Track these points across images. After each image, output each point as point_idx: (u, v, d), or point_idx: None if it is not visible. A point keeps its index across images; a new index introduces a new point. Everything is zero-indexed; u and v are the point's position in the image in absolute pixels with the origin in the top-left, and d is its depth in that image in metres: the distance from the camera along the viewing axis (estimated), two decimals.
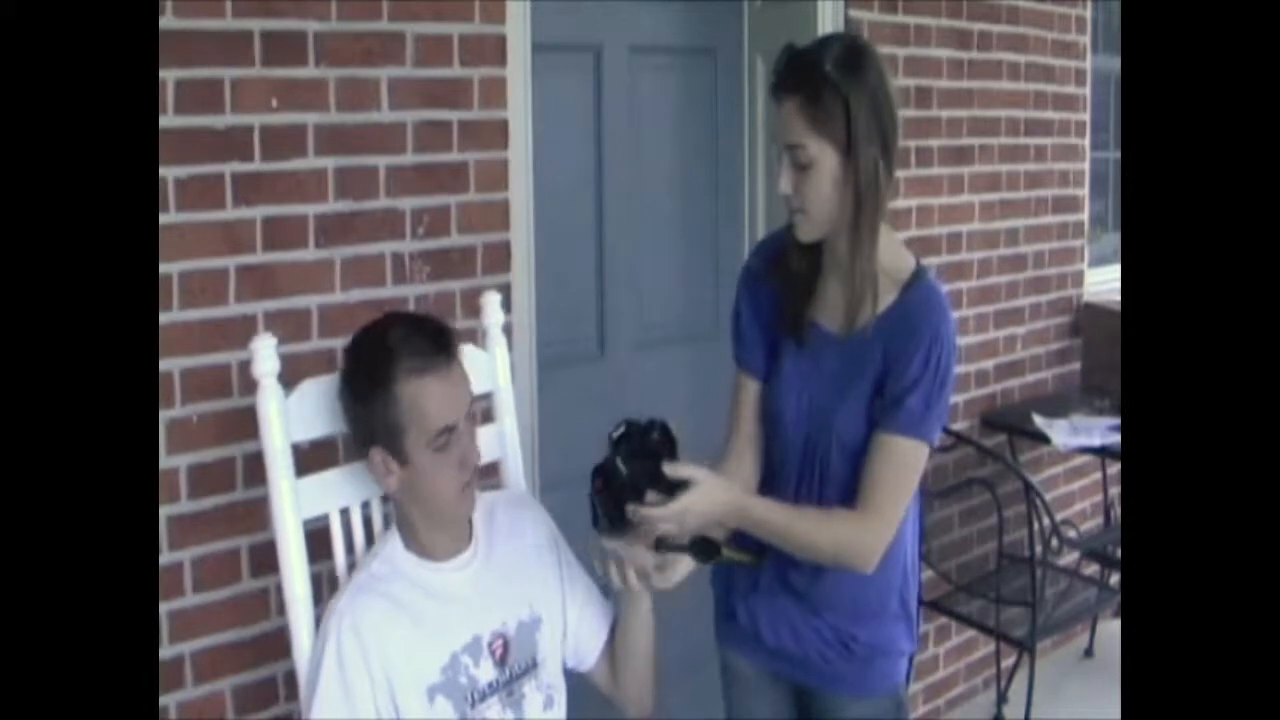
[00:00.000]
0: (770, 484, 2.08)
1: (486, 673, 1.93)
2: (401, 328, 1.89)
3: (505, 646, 1.96)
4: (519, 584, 2.00)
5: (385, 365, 1.83)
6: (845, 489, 1.97)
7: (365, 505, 2.08)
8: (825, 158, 1.87)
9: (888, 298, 1.94)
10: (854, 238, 1.91)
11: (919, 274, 1.97)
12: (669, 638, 3.29)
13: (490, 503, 2.06)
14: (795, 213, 1.94)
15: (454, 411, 1.87)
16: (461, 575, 1.96)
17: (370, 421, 1.86)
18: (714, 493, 1.86)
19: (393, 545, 1.95)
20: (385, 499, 2.10)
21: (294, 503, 1.95)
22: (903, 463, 1.92)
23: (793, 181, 1.91)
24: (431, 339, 1.86)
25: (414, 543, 1.94)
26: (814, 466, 2.00)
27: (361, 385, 1.87)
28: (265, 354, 1.93)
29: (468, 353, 2.02)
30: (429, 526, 1.94)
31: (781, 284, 2.04)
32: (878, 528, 1.92)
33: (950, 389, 1.94)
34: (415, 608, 1.89)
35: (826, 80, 1.84)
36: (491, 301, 2.21)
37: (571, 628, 2.07)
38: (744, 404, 2.10)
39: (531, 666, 1.99)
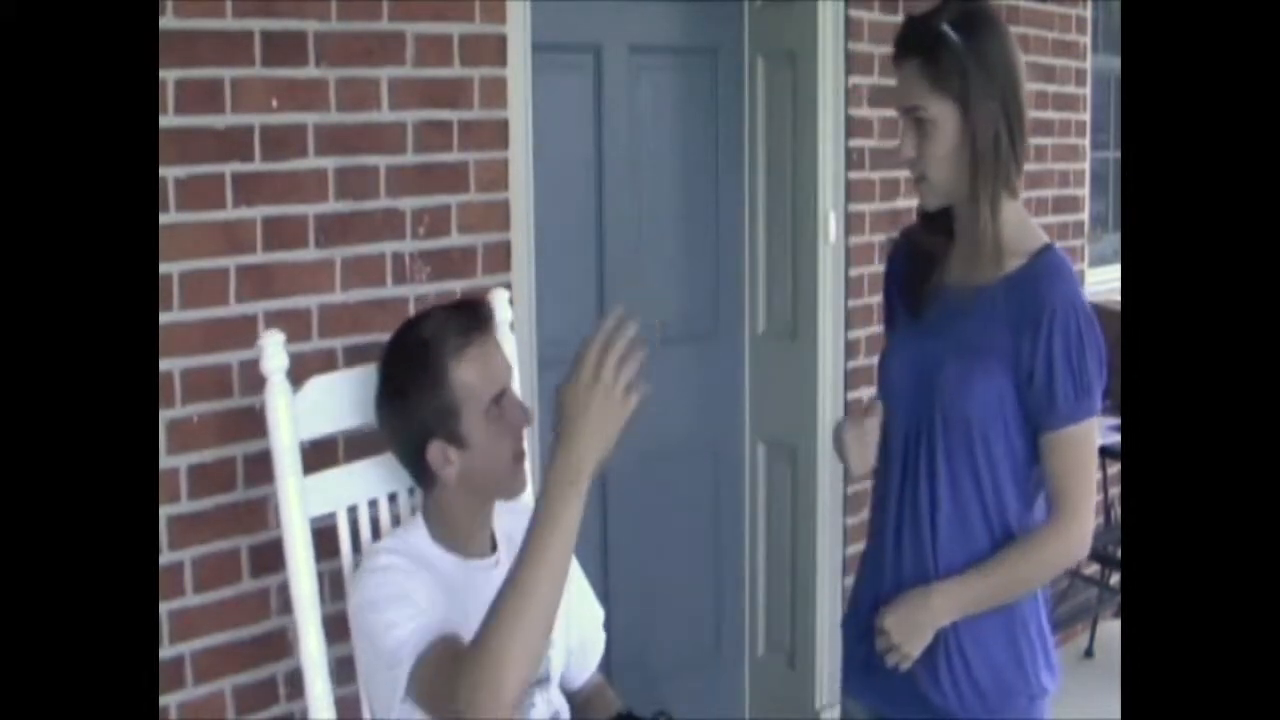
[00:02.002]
0: (880, 466, 2.06)
1: None
2: (433, 318, 1.93)
3: None
4: None
5: (427, 355, 1.86)
6: (952, 466, 1.93)
7: (372, 504, 2.08)
8: (945, 117, 1.88)
9: (1015, 263, 1.91)
10: (976, 200, 1.90)
11: (1049, 246, 1.95)
12: (670, 637, 3.30)
13: (511, 514, 2.06)
14: (919, 180, 1.94)
15: (501, 378, 1.91)
16: (483, 577, 1.94)
17: (423, 414, 1.87)
18: (914, 602, 1.93)
19: (418, 534, 1.94)
20: (393, 498, 2.10)
21: (301, 501, 1.95)
22: (1078, 451, 1.91)
23: (915, 144, 1.91)
24: (465, 317, 1.91)
25: (441, 534, 1.94)
26: (918, 440, 1.96)
27: (408, 381, 1.88)
28: (273, 351, 1.93)
29: None
30: (470, 516, 1.94)
31: (912, 263, 2.04)
32: (1080, 525, 1.92)
33: (1098, 352, 1.89)
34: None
35: (943, 39, 1.86)
36: (500, 299, 2.21)
37: (574, 648, 2.08)
38: None
39: (544, 679, 1.98)
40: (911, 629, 1.93)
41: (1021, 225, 1.96)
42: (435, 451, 1.88)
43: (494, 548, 1.99)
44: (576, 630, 2.08)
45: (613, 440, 1.60)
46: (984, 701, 1.96)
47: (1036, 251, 1.93)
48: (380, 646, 1.77)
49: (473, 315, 1.91)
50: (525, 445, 1.96)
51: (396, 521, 2.09)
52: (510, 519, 2.04)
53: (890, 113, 2.01)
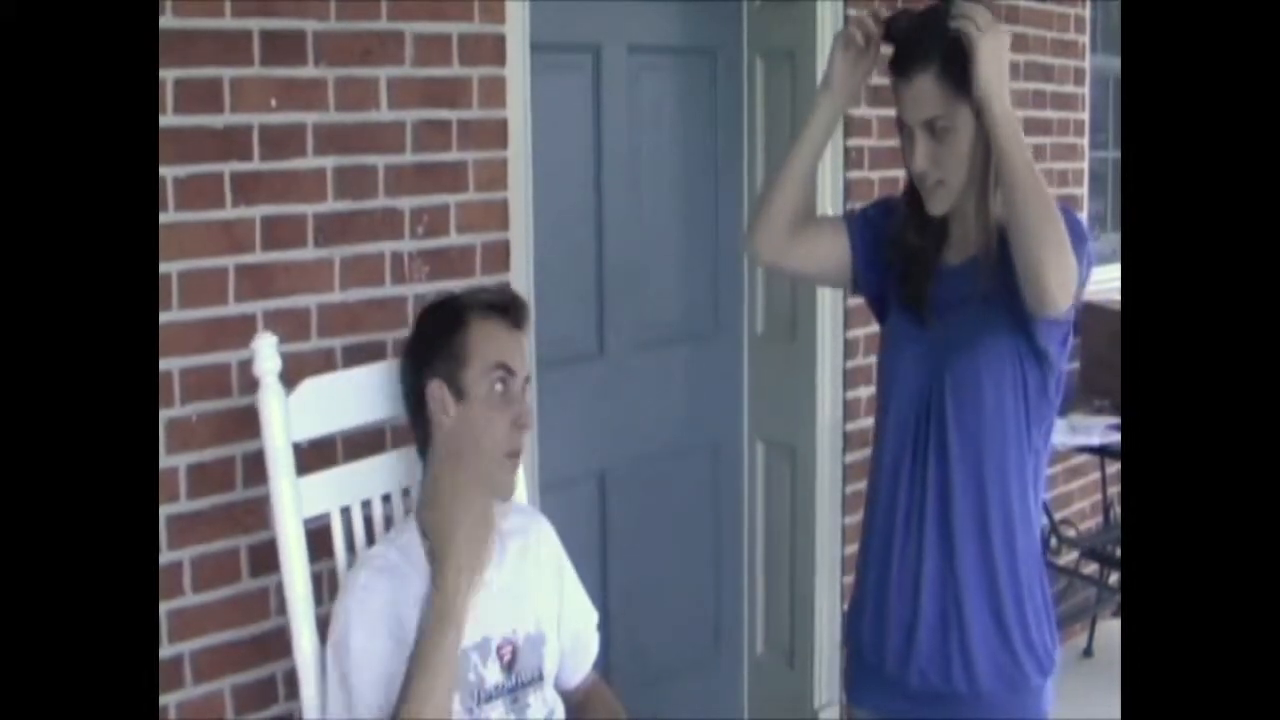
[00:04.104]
0: (879, 463, 2.05)
1: (493, 674, 1.93)
2: (473, 288, 2.07)
3: (514, 653, 1.96)
4: (527, 598, 2.01)
5: (455, 307, 1.97)
6: (964, 442, 1.93)
7: (366, 505, 2.09)
8: (963, 120, 1.86)
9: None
10: (983, 191, 1.90)
11: None
12: (669, 637, 3.30)
13: (502, 515, 2.06)
14: (934, 187, 1.92)
15: (514, 360, 1.95)
16: None
17: (435, 350, 1.93)
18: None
19: (410, 535, 1.95)
20: (387, 499, 2.10)
21: (295, 502, 1.95)
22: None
23: (931, 155, 1.89)
24: (503, 299, 2.00)
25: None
26: (928, 419, 1.95)
27: (430, 324, 1.99)
28: (266, 352, 1.94)
29: None
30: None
31: (900, 260, 2.02)
32: (1071, 255, 1.80)
33: (1087, 250, 1.86)
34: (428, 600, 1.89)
35: (953, 45, 1.82)
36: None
37: (566, 648, 2.09)
38: (821, 230, 2.10)
39: (538, 679, 1.99)
40: (1003, 39, 1.82)
41: None
42: (435, 390, 1.93)
43: None
44: (569, 630, 2.09)
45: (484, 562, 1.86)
46: (1003, 679, 1.98)
47: None
48: (340, 675, 1.87)
49: (510, 300, 2.01)
50: (521, 449, 1.97)
51: (390, 522, 2.09)
52: (504, 521, 2.04)
53: (889, 112, 1.99)
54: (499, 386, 1.92)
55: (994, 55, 1.80)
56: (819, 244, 2.08)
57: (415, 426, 2.00)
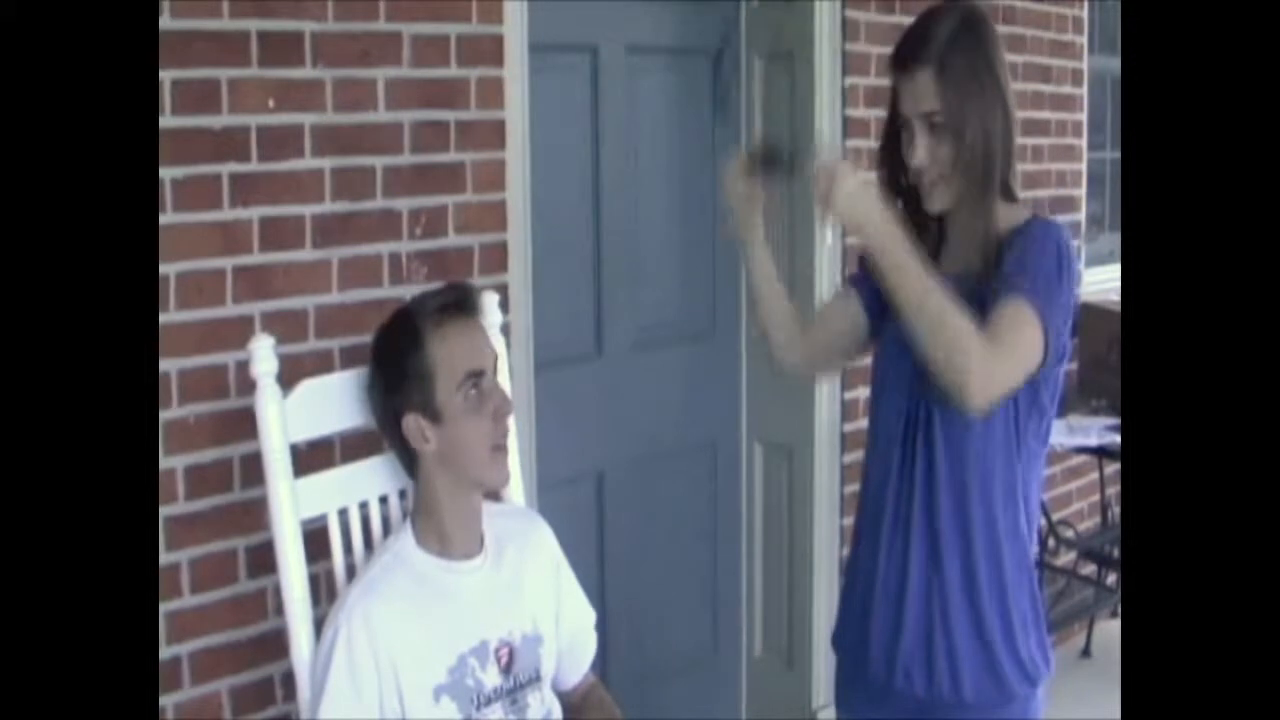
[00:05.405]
0: (869, 469, 2.05)
1: (492, 678, 1.93)
2: (419, 296, 1.99)
3: (511, 655, 1.96)
4: (525, 599, 2.01)
5: (408, 325, 1.91)
6: (950, 468, 1.93)
7: (363, 506, 2.08)
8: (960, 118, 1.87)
9: (1003, 237, 1.91)
10: (976, 201, 1.90)
11: (1034, 215, 1.96)
12: (667, 638, 3.30)
13: (500, 515, 2.07)
14: (932, 183, 1.92)
15: (480, 358, 1.92)
16: (471, 579, 1.96)
17: (401, 384, 1.90)
18: (871, 190, 1.84)
19: (405, 541, 1.95)
20: (384, 501, 2.10)
21: (292, 503, 1.95)
22: (1014, 320, 1.79)
23: (929, 149, 1.90)
24: (449, 295, 1.95)
25: (428, 538, 1.95)
26: (915, 430, 1.95)
27: (389, 349, 1.94)
28: (263, 354, 1.94)
29: None
30: (456, 511, 1.94)
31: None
32: (996, 359, 1.76)
33: (1068, 295, 1.85)
34: (425, 606, 1.90)
35: (955, 42, 1.86)
36: (489, 302, 2.21)
37: (564, 649, 2.09)
38: (829, 304, 2.18)
39: (535, 679, 2.00)
40: (849, 182, 1.81)
41: (1009, 210, 1.95)
42: (411, 425, 1.90)
43: (482, 549, 2.00)
44: (567, 631, 2.09)
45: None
46: (988, 687, 1.97)
47: (1023, 223, 1.93)
48: (314, 695, 1.87)
49: (457, 295, 1.96)
50: (507, 438, 1.97)
51: (387, 523, 2.09)
52: (502, 522, 2.05)
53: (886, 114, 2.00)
54: (472, 392, 1.90)
55: (847, 198, 1.80)
56: (834, 327, 2.16)
57: (398, 452, 1.99)
